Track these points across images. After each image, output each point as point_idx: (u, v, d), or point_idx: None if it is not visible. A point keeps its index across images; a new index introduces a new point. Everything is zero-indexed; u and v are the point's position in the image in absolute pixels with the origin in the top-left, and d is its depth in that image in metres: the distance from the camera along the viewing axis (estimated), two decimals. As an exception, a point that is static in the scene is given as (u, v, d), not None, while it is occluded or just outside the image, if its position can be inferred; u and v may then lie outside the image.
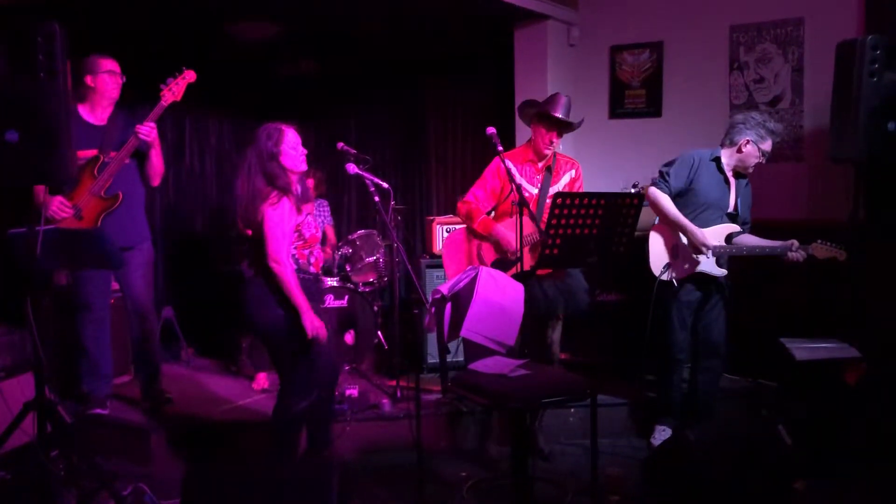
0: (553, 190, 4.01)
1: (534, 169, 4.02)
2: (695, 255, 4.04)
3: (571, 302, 4.04)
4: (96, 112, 4.27)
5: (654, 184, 4.11)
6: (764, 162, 4.09)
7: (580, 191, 4.10)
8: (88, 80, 4.20)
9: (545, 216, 3.76)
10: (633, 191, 3.66)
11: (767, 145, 4.04)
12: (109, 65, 4.24)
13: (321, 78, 6.83)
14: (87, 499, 3.34)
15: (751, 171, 4.13)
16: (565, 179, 4.07)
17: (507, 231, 3.93)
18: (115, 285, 4.60)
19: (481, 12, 5.42)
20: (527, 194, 3.94)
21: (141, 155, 4.30)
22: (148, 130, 4.13)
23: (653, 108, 5.58)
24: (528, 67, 5.70)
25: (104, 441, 4.02)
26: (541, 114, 3.93)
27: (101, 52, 4.28)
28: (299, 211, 3.44)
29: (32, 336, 3.05)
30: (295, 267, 3.44)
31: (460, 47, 6.28)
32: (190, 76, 4.21)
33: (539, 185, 4.01)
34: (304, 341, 3.38)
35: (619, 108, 5.72)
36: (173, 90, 4.17)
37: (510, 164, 3.83)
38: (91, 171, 4.15)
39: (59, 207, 4.05)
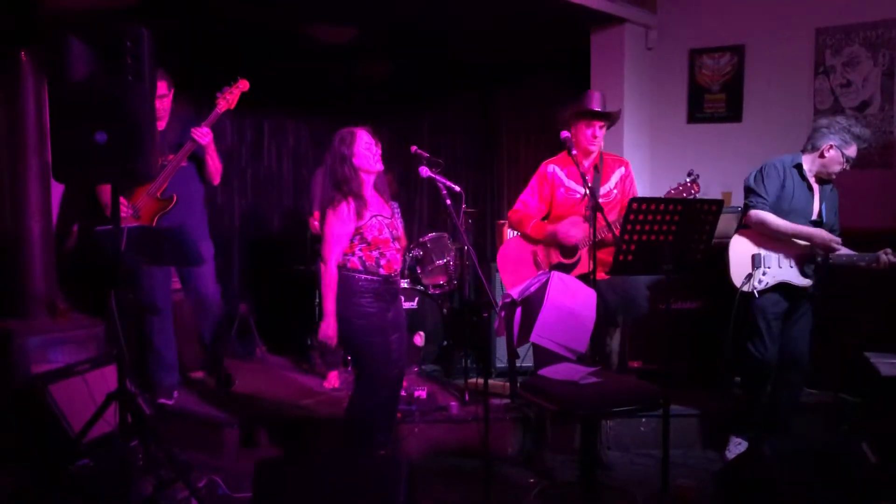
0: (604, 189, 3.97)
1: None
2: (779, 265, 3.91)
3: (631, 308, 3.97)
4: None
5: (750, 206, 3.96)
6: (847, 168, 3.93)
7: (632, 188, 4.05)
8: None
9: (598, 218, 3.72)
10: (687, 180, 3.59)
11: (852, 151, 3.88)
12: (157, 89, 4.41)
13: (395, 79, 6.89)
14: (163, 488, 3.45)
15: (833, 177, 3.98)
16: (615, 178, 4.02)
17: (564, 224, 3.89)
18: (176, 284, 4.73)
19: (558, 15, 5.37)
20: (578, 196, 3.90)
21: (199, 158, 4.45)
22: (203, 133, 4.29)
23: (733, 112, 5.44)
24: (605, 70, 5.63)
25: (180, 433, 4.14)
26: (579, 112, 3.91)
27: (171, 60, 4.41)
28: (360, 216, 3.47)
29: (115, 329, 3.15)
30: (361, 268, 3.47)
31: (535, 49, 6.24)
32: (244, 85, 4.35)
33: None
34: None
35: (697, 113, 5.59)
36: (227, 98, 4.33)
37: (559, 171, 3.91)
38: None
39: None
